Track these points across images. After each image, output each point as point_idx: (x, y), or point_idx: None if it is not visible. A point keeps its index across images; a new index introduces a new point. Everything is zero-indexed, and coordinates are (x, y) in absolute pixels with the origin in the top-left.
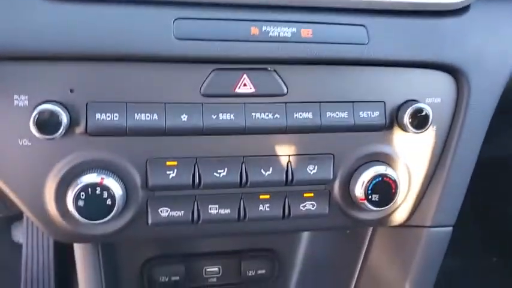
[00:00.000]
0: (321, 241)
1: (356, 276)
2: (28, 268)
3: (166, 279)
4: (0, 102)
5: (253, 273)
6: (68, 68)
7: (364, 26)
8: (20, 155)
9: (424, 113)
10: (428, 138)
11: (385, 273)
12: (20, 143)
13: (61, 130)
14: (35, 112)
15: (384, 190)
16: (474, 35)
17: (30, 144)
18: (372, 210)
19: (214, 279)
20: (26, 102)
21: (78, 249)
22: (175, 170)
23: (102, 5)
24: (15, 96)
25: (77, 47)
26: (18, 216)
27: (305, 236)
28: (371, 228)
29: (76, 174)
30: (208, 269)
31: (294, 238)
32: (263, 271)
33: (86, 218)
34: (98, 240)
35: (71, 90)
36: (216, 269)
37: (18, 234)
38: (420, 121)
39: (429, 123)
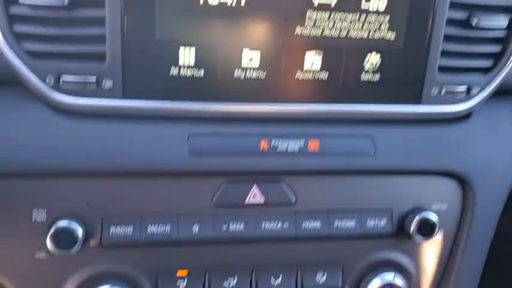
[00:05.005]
0: None
1: None
2: None
3: None
4: (18, 217)
5: None
6: (86, 184)
7: (370, 136)
8: (35, 268)
9: (431, 221)
10: (435, 244)
11: None
12: (36, 256)
13: (77, 245)
14: (53, 229)
15: None
16: (477, 142)
17: (45, 257)
18: None
19: None
20: (44, 218)
21: None
22: (186, 280)
23: (118, 122)
24: (34, 211)
25: (94, 164)
26: None
27: None
28: None
29: (89, 285)
30: None
31: None
32: None
33: None
34: None
35: (88, 205)
36: None
37: None
38: (427, 229)
39: (436, 231)
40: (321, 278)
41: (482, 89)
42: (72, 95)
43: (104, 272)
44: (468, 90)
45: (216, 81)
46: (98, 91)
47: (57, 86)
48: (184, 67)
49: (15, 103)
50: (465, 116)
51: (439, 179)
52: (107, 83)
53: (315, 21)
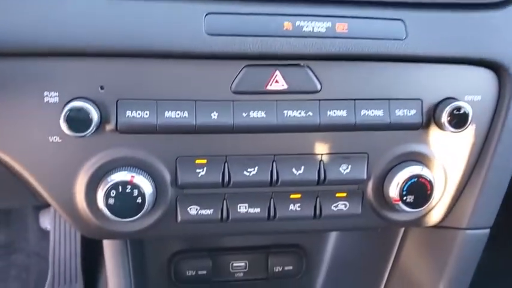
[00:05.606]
0: (350, 239)
1: (386, 276)
2: (56, 254)
3: (193, 273)
4: (30, 99)
5: (280, 269)
6: (98, 64)
7: (402, 20)
8: (50, 152)
9: (463, 112)
10: (466, 137)
11: (417, 274)
12: (50, 140)
13: (91, 127)
14: (66, 109)
15: (419, 191)
16: None
17: (60, 141)
18: (406, 211)
19: (241, 274)
20: (57, 99)
21: (107, 243)
22: (205, 168)
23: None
24: (46, 93)
25: (106, 42)
26: (46, 203)
27: (334, 233)
28: (403, 228)
29: (106, 171)
30: (235, 264)
31: (322, 234)
32: (290, 267)
33: (116, 216)
34: (127, 237)
35: (101, 87)
36: (243, 264)
37: (46, 221)
38: (459, 120)
39: (468, 122)
40: (345, 169)
41: None
42: None
43: (121, 158)
44: None
45: None
46: None
47: None
48: None
49: None
50: (506, 2)
51: (474, 68)
52: None
53: None
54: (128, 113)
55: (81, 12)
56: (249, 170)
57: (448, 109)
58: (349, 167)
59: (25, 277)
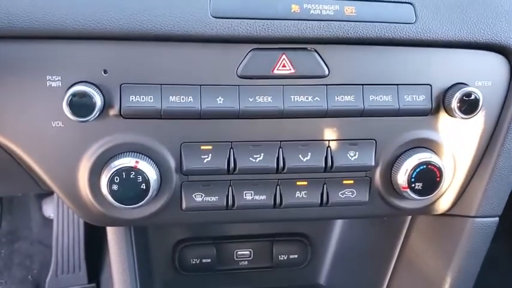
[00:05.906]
0: (356, 227)
1: (393, 265)
2: (59, 242)
3: (197, 262)
4: (33, 83)
5: (285, 258)
6: (102, 48)
7: (411, 3)
8: (52, 137)
9: (473, 97)
10: (476, 123)
11: (425, 263)
12: (53, 125)
13: (95, 112)
14: (68, 93)
15: (428, 178)
16: None
17: (63, 126)
18: (414, 199)
19: (246, 263)
20: (59, 83)
21: (111, 231)
22: (210, 155)
23: None
24: (48, 77)
25: (110, 25)
26: (49, 191)
27: (339, 221)
28: (410, 216)
29: (110, 157)
30: (239, 252)
31: (328, 223)
32: (295, 256)
33: (119, 202)
34: (131, 224)
35: (105, 71)
36: (248, 252)
37: (49, 209)
38: (469, 106)
39: (479, 108)
40: (353, 156)
41: None
42: None
43: (125, 143)
44: None
45: None
46: None
47: None
48: None
49: None
50: None
51: (484, 53)
52: None
53: None
54: (132, 97)
55: None
56: (255, 156)
57: (458, 95)
58: (357, 153)
59: (29, 265)
